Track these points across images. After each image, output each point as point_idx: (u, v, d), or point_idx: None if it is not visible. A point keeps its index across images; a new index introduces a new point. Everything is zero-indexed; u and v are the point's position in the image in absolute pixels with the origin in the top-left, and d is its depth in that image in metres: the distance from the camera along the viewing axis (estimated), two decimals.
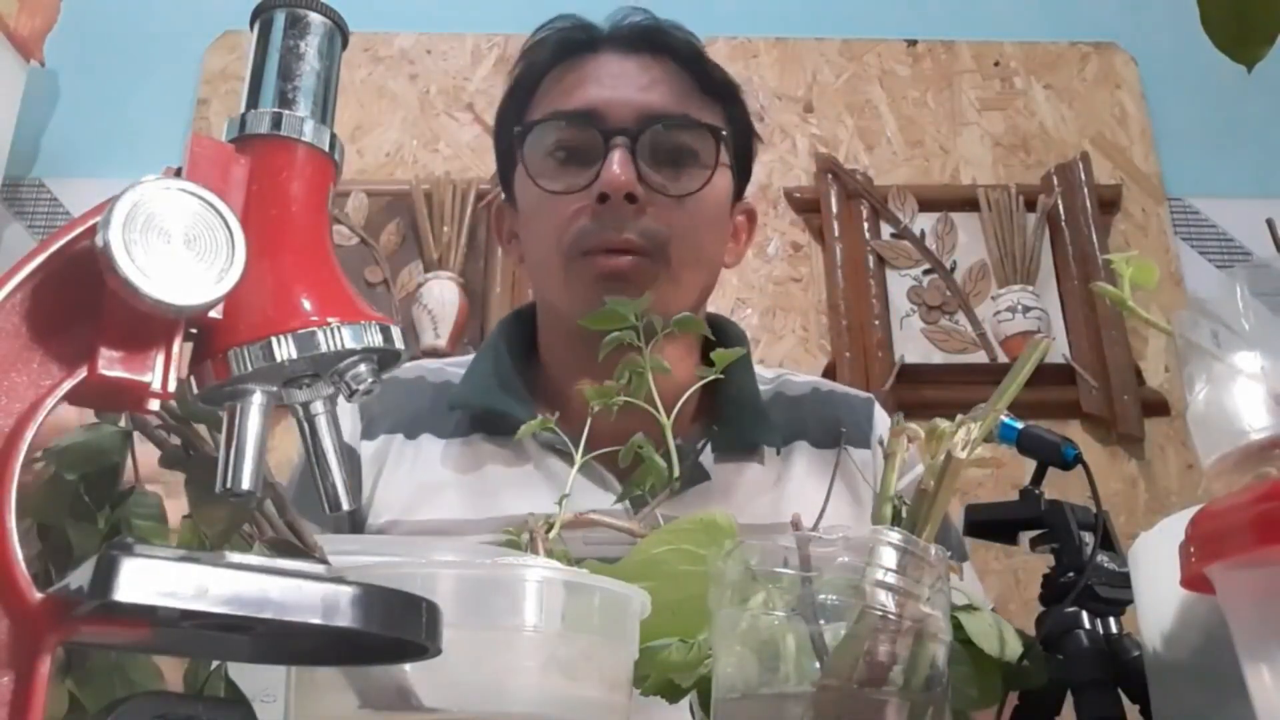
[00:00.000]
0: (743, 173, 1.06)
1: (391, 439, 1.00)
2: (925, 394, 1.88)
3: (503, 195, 1.08)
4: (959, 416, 0.50)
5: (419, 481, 0.97)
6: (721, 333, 1.04)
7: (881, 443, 0.53)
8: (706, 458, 0.97)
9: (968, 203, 2.12)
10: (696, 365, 1.01)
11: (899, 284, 2.07)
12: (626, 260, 0.93)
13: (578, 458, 0.62)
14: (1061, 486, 0.57)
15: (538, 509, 0.84)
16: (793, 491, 0.98)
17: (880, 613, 0.42)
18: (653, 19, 1.02)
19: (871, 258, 2.07)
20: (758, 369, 1.08)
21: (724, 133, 0.99)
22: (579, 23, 1.03)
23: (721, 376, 0.70)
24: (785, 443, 1.01)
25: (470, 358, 1.07)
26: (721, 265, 1.05)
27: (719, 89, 1.02)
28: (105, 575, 0.28)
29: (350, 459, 0.98)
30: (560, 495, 0.60)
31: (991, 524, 0.63)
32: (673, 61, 1.00)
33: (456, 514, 0.94)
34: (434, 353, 1.84)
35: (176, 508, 0.45)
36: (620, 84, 0.97)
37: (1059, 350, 2.01)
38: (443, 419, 1.00)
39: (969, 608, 0.51)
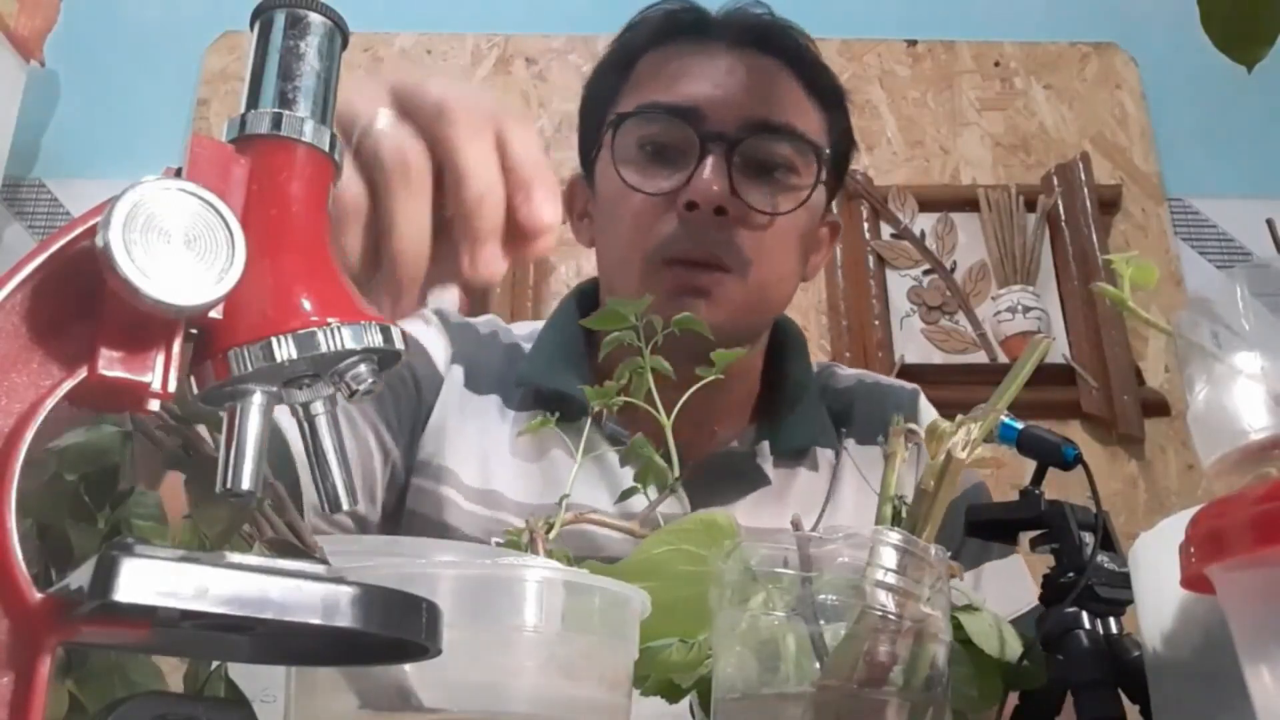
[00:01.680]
0: (837, 183, 1.02)
1: (463, 380, 0.97)
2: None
3: (581, 170, 1.03)
4: (959, 416, 0.50)
5: (486, 449, 0.94)
6: (783, 334, 1.04)
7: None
8: (765, 460, 0.95)
9: (968, 203, 2.12)
10: (757, 370, 1.00)
11: (899, 284, 2.07)
12: (707, 277, 0.90)
13: (577, 451, 0.62)
14: (1061, 487, 0.57)
15: (598, 501, 0.84)
16: (845, 494, 0.96)
17: (880, 613, 0.42)
18: (769, 13, 0.97)
19: (871, 258, 2.07)
20: None
21: (826, 151, 0.94)
22: (688, 4, 0.98)
23: (721, 377, 0.69)
24: (838, 441, 0.99)
25: (534, 328, 1.04)
26: (800, 280, 1.01)
27: (826, 95, 0.98)
28: (105, 575, 0.28)
29: (431, 380, 0.96)
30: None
31: (991, 524, 0.63)
32: (783, 62, 0.95)
33: (521, 496, 0.92)
34: None
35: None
36: (725, 82, 0.92)
37: (1059, 350, 2.01)
38: (509, 387, 0.98)
39: (969, 608, 0.51)
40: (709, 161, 0.89)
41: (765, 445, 0.96)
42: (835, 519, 0.93)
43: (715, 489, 0.91)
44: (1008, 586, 0.91)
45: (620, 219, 0.93)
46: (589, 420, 0.69)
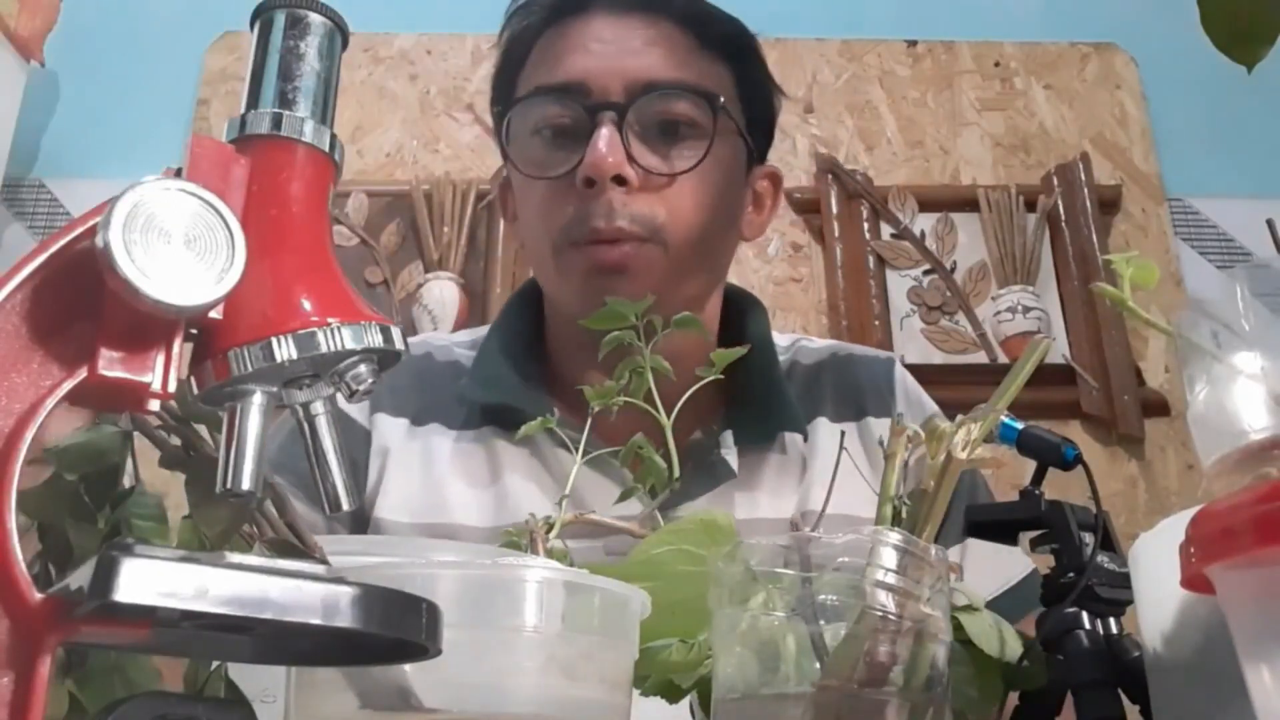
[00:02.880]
0: (763, 135, 0.98)
1: (397, 423, 0.93)
2: (926, 394, 1.89)
3: (505, 171, 0.99)
4: (959, 417, 0.50)
5: (429, 480, 0.91)
6: (739, 306, 0.99)
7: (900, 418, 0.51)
8: (730, 450, 0.91)
9: (968, 203, 2.12)
10: (713, 349, 0.98)
11: (899, 284, 2.07)
12: (619, 250, 0.86)
13: (577, 456, 0.62)
14: (1062, 487, 0.57)
15: (555, 512, 0.82)
16: (817, 477, 0.91)
17: (880, 613, 0.42)
18: None
19: (871, 258, 2.07)
20: (773, 336, 1.01)
21: (721, 100, 0.89)
22: None
23: (721, 377, 0.68)
24: (805, 423, 0.94)
25: (477, 336, 1.00)
26: (738, 239, 0.97)
27: (726, 44, 0.93)
28: (105, 575, 0.28)
29: (356, 438, 0.93)
30: (565, 495, 0.60)
31: (991, 524, 0.63)
32: (670, 20, 0.90)
33: (472, 520, 0.89)
34: None
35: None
36: (609, 50, 0.88)
37: (1059, 350, 2.01)
38: (452, 408, 0.94)
39: (969, 608, 0.51)
40: (601, 133, 0.85)
41: (729, 435, 0.92)
42: (811, 504, 0.89)
43: (680, 485, 0.89)
44: (995, 560, 0.88)
45: (529, 210, 0.91)
46: (583, 424, 0.68)
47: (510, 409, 0.89)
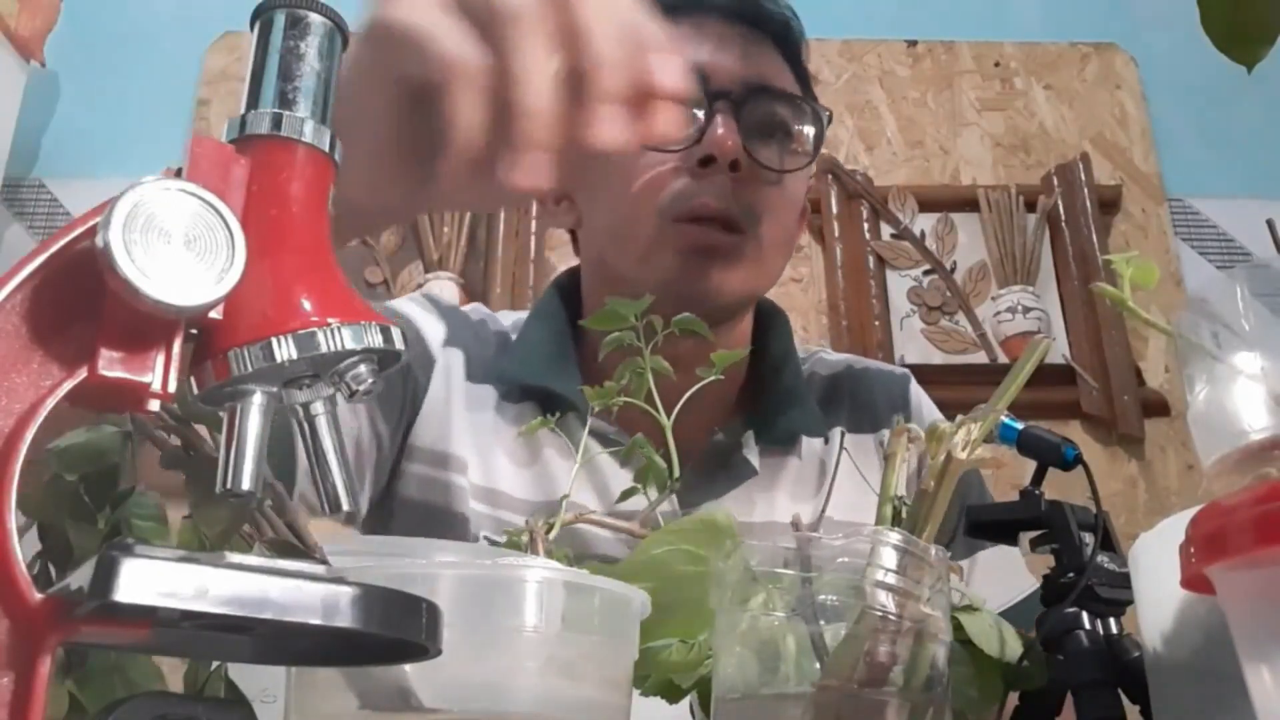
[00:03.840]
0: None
1: (458, 369, 0.96)
2: (926, 394, 1.89)
3: None
4: (959, 417, 0.50)
5: (484, 444, 0.93)
6: (766, 310, 1.02)
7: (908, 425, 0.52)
8: (752, 450, 0.94)
9: (968, 203, 2.12)
10: (745, 350, 0.98)
11: (899, 284, 2.07)
12: (721, 238, 0.88)
13: (578, 457, 0.62)
14: (1062, 487, 0.57)
15: (590, 499, 0.81)
16: (836, 484, 0.93)
17: (880, 613, 0.42)
18: None
19: (871, 258, 2.07)
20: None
21: (829, 114, 0.94)
22: None
23: (722, 377, 0.68)
24: (823, 430, 0.97)
25: (518, 318, 1.03)
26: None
27: (804, 75, 0.98)
28: (105, 575, 0.28)
29: (422, 360, 0.95)
30: (565, 495, 0.60)
31: (991, 524, 0.63)
32: (772, 41, 0.95)
33: (518, 492, 0.91)
34: None
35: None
36: (723, 47, 0.92)
37: (1059, 350, 2.01)
38: (497, 375, 0.97)
39: (969, 608, 0.51)
40: (718, 118, 0.88)
41: (750, 435, 0.94)
42: (827, 510, 0.89)
43: (703, 483, 0.90)
44: (1003, 575, 0.90)
45: (626, 182, 0.91)
46: (588, 419, 0.69)
47: (549, 392, 0.91)
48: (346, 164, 0.39)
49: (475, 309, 1.05)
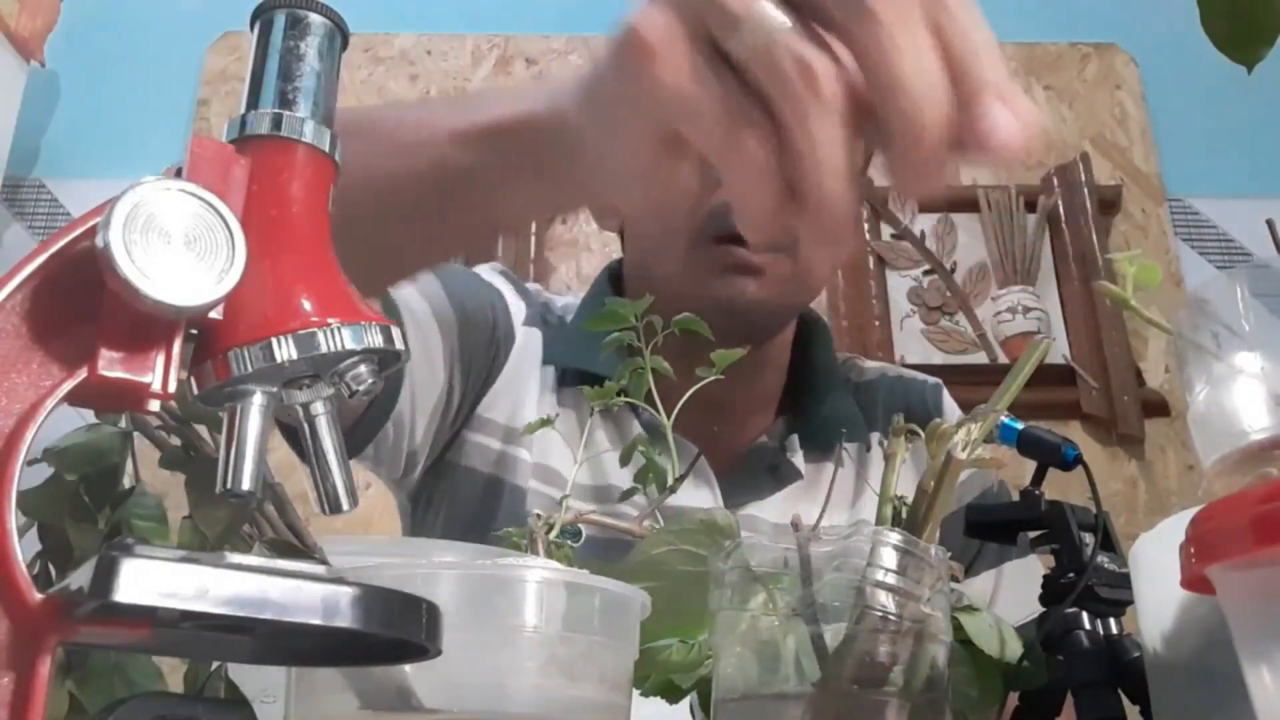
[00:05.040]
0: None
1: (535, 348, 0.96)
2: None
3: None
4: (959, 417, 0.50)
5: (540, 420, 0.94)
6: (807, 318, 1.03)
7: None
8: (796, 454, 0.95)
9: (968, 203, 2.12)
10: (787, 355, 1.00)
11: (899, 285, 2.07)
12: (760, 255, 0.88)
13: (580, 454, 0.62)
14: (1062, 487, 0.57)
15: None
16: (870, 491, 0.94)
17: (880, 613, 0.42)
18: None
19: (871, 258, 2.07)
20: None
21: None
22: None
23: (721, 377, 0.68)
24: (864, 436, 0.99)
25: (568, 303, 1.04)
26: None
27: None
28: (105, 575, 0.28)
29: (501, 312, 0.96)
30: (565, 495, 0.59)
31: (991, 524, 0.63)
32: None
33: (571, 474, 0.91)
34: None
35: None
36: None
37: (1059, 351, 2.01)
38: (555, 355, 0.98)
39: (969, 608, 0.51)
40: None
41: (795, 438, 0.96)
42: (864, 515, 0.92)
43: (749, 484, 0.91)
44: (1028, 587, 0.91)
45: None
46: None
47: (597, 378, 0.91)
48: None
49: (538, 290, 1.05)
